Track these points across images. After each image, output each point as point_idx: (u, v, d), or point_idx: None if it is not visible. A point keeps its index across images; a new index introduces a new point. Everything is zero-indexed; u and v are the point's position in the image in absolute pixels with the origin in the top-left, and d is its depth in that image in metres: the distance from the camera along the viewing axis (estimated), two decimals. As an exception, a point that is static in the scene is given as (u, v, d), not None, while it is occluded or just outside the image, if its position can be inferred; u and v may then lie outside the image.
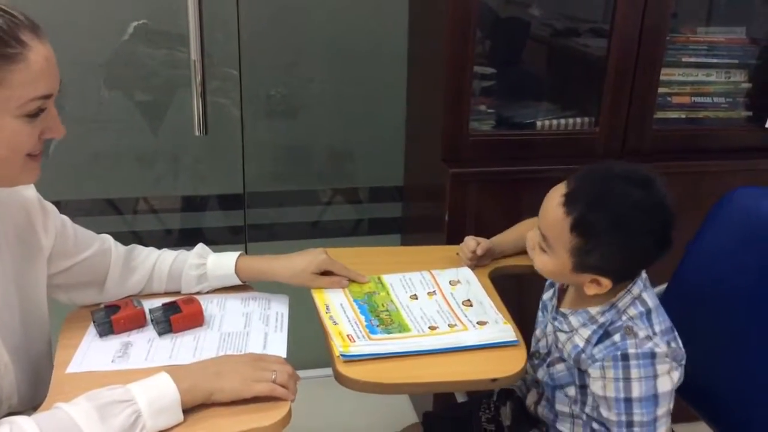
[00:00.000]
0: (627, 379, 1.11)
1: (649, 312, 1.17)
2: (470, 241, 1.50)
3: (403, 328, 1.27)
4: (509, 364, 1.19)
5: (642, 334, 1.13)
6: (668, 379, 1.12)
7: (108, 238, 1.34)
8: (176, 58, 2.00)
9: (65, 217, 1.27)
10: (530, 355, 1.34)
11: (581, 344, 1.18)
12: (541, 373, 1.30)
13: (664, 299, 1.50)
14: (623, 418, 1.12)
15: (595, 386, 1.16)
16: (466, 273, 1.45)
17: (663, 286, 1.52)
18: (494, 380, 1.17)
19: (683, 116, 2.04)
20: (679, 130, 2.04)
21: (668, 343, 1.14)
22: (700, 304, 1.43)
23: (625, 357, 1.11)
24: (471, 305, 1.34)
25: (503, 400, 1.39)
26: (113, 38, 1.96)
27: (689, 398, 1.38)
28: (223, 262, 1.37)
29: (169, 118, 2.07)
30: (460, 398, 1.54)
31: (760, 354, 1.30)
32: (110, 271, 1.31)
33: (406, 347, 1.20)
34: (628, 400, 1.11)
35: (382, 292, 1.39)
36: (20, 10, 0.99)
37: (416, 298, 1.37)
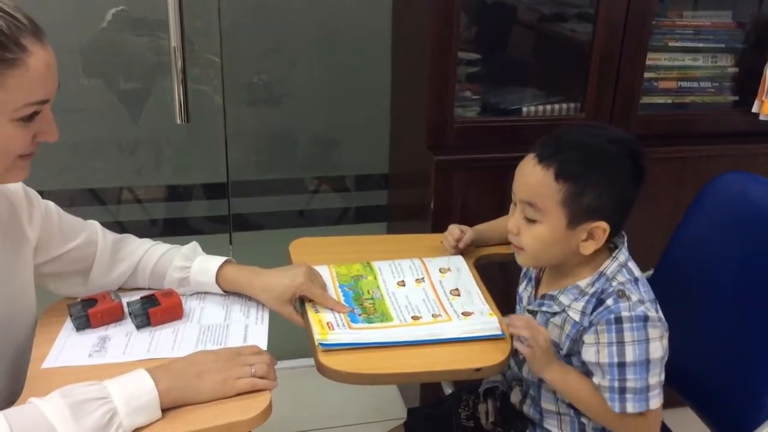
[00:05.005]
0: (621, 343, 1.11)
1: (636, 280, 1.17)
2: (454, 230, 1.48)
3: (385, 317, 1.25)
4: (493, 354, 1.18)
5: (634, 297, 1.13)
6: (660, 345, 1.12)
7: (95, 228, 1.30)
8: (156, 45, 1.96)
9: (50, 203, 1.24)
10: (514, 352, 1.33)
11: (577, 318, 1.17)
12: (526, 370, 1.29)
13: (651, 284, 1.49)
14: (616, 384, 1.12)
15: (588, 354, 1.15)
16: (457, 261, 1.43)
17: (650, 272, 1.52)
18: (478, 370, 1.15)
19: (669, 101, 2.03)
20: (666, 115, 2.02)
21: (657, 311, 1.14)
22: (687, 288, 1.43)
23: (619, 320, 1.11)
24: (459, 294, 1.32)
25: (484, 396, 1.37)
26: (92, 25, 1.92)
27: (674, 383, 1.37)
28: (206, 268, 1.29)
29: (150, 106, 2.04)
30: (447, 389, 1.53)
31: (744, 338, 1.29)
32: (95, 261, 1.28)
33: (386, 337, 1.18)
34: (622, 365, 1.11)
35: (369, 276, 1.37)
36: (24, 12, 0.97)
37: (404, 285, 1.35)
